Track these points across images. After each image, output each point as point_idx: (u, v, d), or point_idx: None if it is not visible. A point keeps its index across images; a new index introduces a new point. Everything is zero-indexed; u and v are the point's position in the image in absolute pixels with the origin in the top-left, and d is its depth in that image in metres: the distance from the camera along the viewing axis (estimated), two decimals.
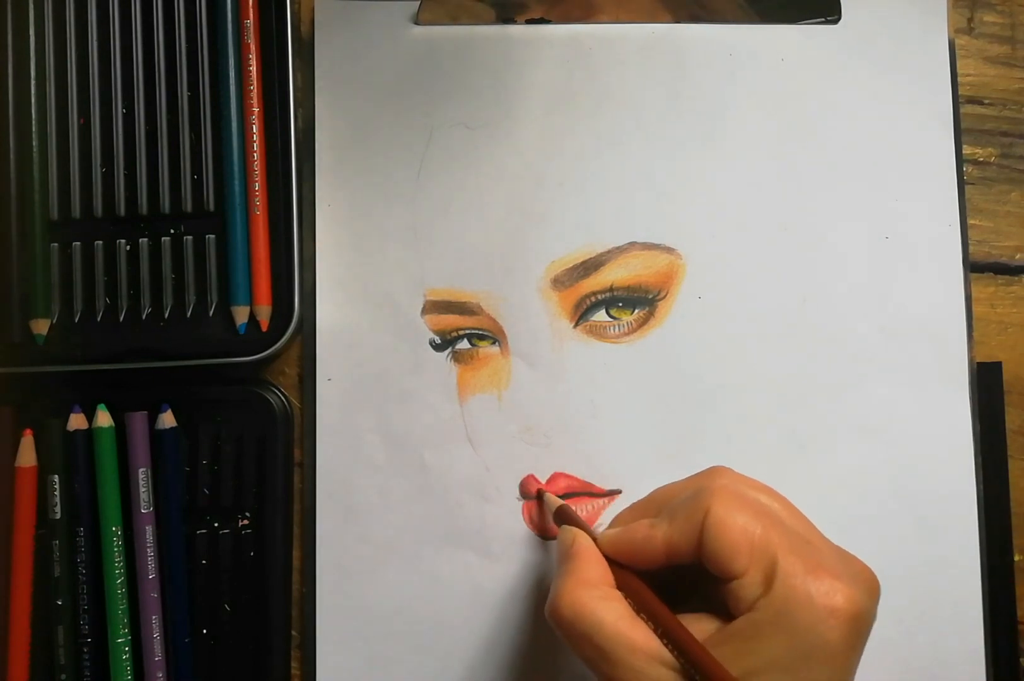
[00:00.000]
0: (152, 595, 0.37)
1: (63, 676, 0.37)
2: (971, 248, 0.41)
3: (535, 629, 0.38)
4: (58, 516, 0.37)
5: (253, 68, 0.39)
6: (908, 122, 0.40)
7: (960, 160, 0.40)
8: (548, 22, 0.41)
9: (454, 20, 0.41)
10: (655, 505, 0.33)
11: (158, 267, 0.39)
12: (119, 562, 0.37)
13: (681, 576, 0.31)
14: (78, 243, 0.39)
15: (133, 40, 0.39)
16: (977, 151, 0.41)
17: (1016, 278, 0.41)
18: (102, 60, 0.39)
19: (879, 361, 0.39)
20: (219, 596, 0.38)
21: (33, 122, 0.38)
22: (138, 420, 0.38)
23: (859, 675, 0.29)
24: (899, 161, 0.40)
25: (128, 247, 0.39)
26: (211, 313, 0.39)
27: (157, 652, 0.37)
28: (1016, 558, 0.39)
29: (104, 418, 0.37)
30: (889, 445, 0.39)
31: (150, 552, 0.37)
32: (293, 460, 0.39)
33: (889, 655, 0.38)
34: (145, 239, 0.39)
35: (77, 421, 0.37)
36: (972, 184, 0.41)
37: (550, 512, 0.37)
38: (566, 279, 0.40)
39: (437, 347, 0.39)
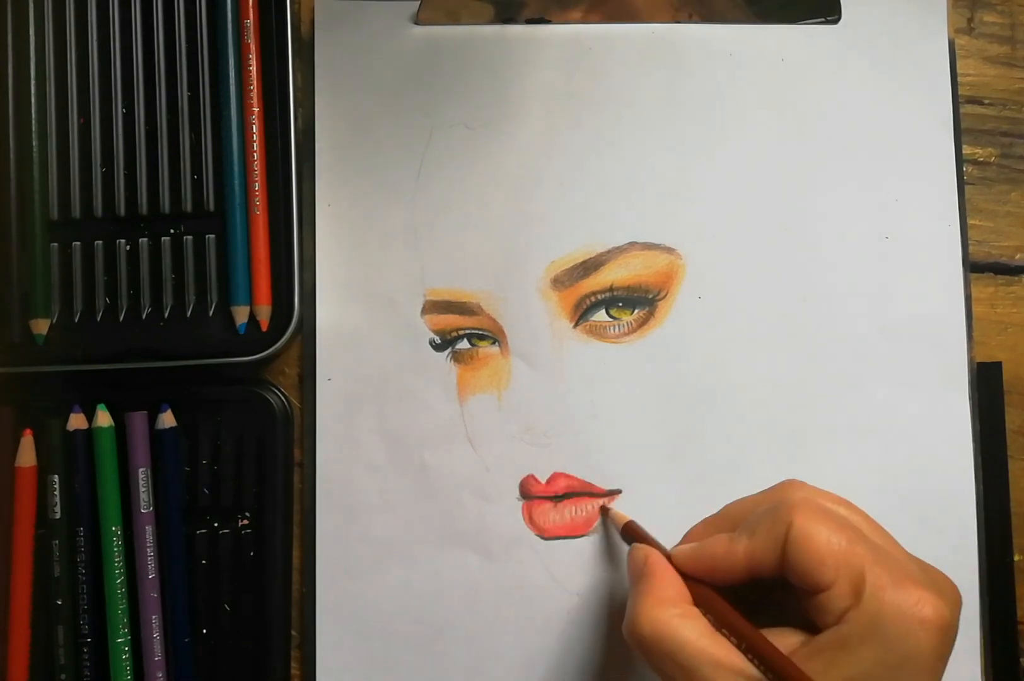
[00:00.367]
0: (152, 595, 0.37)
1: (63, 676, 0.37)
2: (971, 248, 0.41)
3: (535, 629, 0.38)
4: (58, 516, 0.37)
5: (253, 68, 0.39)
6: (908, 122, 0.40)
7: (960, 160, 0.40)
8: (548, 22, 0.41)
9: (454, 20, 0.41)
10: (729, 520, 0.33)
11: (158, 267, 0.39)
12: (119, 562, 0.37)
13: (750, 592, 0.31)
14: (78, 243, 0.39)
15: (133, 40, 0.39)
16: (977, 151, 0.41)
17: (1016, 278, 0.41)
18: (102, 60, 0.39)
19: (879, 361, 0.39)
20: (219, 596, 0.38)
21: (33, 122, 0.38)
22: (138, 420, 0.38)
23: None
24: (899, 161, 0.40)
25: (128, 247, 0.39)
26: (211, 313, 0.39)
27: (157, 652, 0.37)
28: (1016, 558, 0.39)
29: (104, 418, 0.37)
30: (889, 445, 0.39)
31: (150, 552, 0.37)
32: (293, 460, 0.39)
33: None
34: (145, 239, 0.39)
35: (77, 421, 0.37)
36: (972, 184, 0.41)
37: (616, 528, 0.37)
38: (566, 279, 0.40)
39: (437, 347, 0.39)
